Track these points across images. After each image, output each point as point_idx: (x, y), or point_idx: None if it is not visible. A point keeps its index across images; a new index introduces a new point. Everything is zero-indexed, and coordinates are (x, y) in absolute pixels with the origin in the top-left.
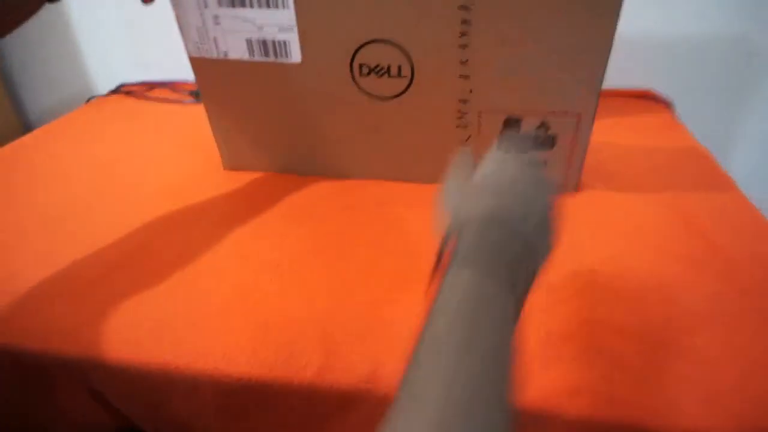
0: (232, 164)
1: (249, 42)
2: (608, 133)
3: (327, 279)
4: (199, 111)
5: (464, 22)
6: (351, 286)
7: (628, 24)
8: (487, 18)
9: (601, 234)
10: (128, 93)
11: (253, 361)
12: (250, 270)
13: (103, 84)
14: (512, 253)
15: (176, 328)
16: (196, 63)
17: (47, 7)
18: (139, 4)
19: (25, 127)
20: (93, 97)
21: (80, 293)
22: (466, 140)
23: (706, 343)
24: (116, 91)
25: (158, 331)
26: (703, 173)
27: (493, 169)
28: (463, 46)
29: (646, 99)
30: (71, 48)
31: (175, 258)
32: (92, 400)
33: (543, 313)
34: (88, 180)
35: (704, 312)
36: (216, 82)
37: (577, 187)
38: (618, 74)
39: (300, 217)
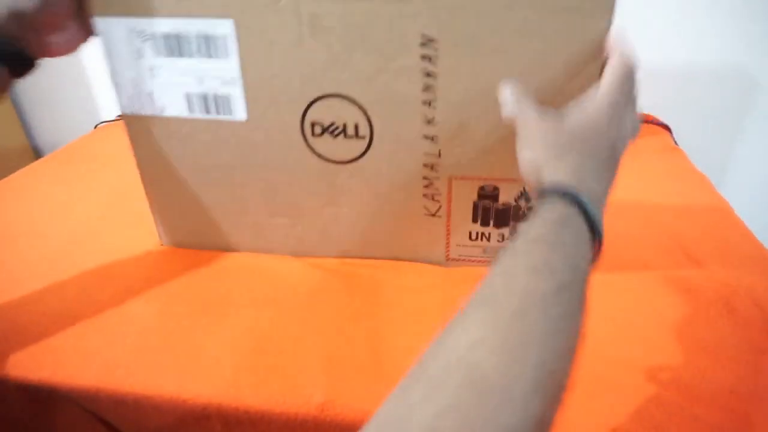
0: (172, 240)
1: (188, 97)
2: None
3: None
4: None
5: (428, 74)
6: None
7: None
8: (453, 71)
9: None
10: None
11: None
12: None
13: (111, 108)
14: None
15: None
16: (131, 122)
17: None
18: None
19: (35, 152)
20: (100, 123)
21: (90, 323)
22: (435, 212)
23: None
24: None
25: (164, 362)
26: (701, 199)
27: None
28: (428, 103)
29: (645, 123)
30: (80, 74)
31: (184, 289)
32: (101, 427)
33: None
34: (94, 209)
35: (703, 343)
36: (152, 144)
37: None
38: None
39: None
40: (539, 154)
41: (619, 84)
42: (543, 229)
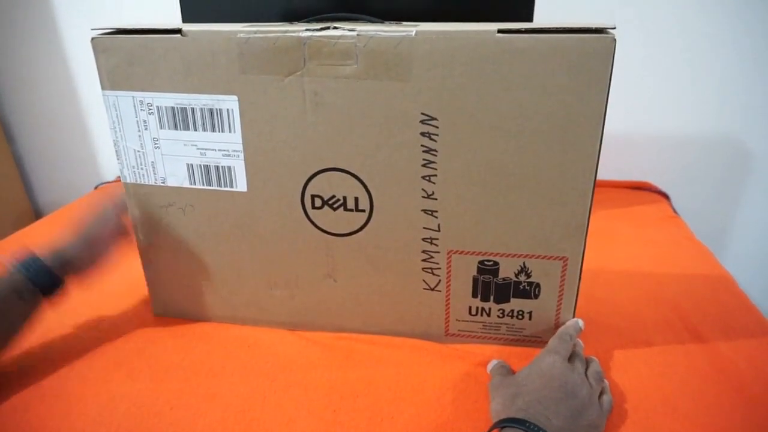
0: (166, 310)
1: (190, 168)
2: (606, 224)
3: None
4: None
5: (427, 150)
6: None
7: (629, 120)
8: (453, 147)
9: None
10: None
11: None
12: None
13: (112, 169)
14: None
15: None
16: (131, 190)
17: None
18: None
19: (35, 211)
20: (101, 184)
21: (76, 401)
22: (435, 286)
23: None
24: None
25: None
26: (703, 270)
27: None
28: (428, 177)
29: (644, 191)
30: (81, 134)
31: (176, 364)
32: None
33: None
34: None
35: (708, 424)
36: (151, 212)
37: None
38: (617, 167)
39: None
40: (498, 405)
41: (558, 340)
42: None
